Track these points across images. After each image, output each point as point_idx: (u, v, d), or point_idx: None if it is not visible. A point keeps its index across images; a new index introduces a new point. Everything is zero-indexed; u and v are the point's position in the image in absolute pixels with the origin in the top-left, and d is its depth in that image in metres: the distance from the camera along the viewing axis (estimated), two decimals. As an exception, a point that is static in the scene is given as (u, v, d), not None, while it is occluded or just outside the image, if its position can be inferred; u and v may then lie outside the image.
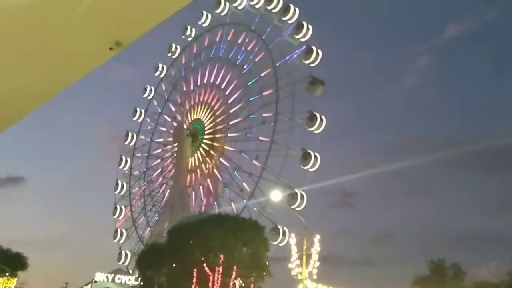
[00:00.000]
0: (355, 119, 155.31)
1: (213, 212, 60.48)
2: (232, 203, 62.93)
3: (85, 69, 7.72)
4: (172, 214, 65.70)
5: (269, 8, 63.98)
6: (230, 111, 68.90)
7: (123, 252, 72.57)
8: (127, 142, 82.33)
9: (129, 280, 62.24)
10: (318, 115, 56.79)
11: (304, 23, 61.02)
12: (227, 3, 70.87)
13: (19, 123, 9.52)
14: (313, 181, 56.94)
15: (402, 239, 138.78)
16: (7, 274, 59.16)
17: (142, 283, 49.96)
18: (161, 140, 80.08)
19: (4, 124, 9.58)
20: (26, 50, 7.10)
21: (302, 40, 60.86)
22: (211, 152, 69.57)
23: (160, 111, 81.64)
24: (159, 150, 79.62)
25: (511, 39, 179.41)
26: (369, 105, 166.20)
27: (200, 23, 76.44)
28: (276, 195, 39.14)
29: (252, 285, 42.99)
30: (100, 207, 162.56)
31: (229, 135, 68.59)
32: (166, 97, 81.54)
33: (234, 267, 41.33)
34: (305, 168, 55.74)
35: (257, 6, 66.03)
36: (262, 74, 64.96)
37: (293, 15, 61.92)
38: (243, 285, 42.58)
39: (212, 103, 71.97)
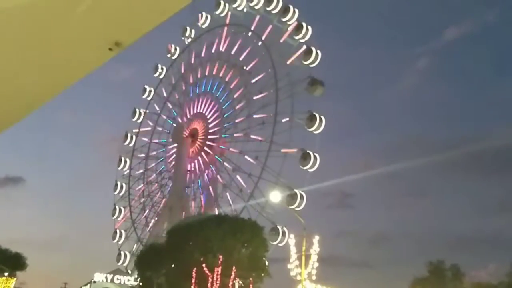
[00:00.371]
0: (355, 120, 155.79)
1: (212, 212, 60.49)
2: (232, 204, 62.95)
3: (84, 70, 7.71)
4: (171, 214, 65.73)
5: (268, 9, 64.07)
6: (230, 112, 68.91)
7: (122, 252, 72.54)
8: (126, 143, 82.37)
9: (128, 280, 62.23)
10: (317, 116, 56.83)
11: (304, 24, 61.11)
12: (227, 4, 70.94)
13: (18, 123, 9.51)
14: (312, 182, 57.07)
15: (401, 241, 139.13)
16: (6, 274, 59.14)
17: (141, 284, 49.94)
18: (161, 141, 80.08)
19: (4, 125, 9.57)
20: (25, 50, 7.10)
21: (302, 41, 60.93)
22: (211, 152, 69.57)
23: (159, 112, 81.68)
24: (159, 151, 79.63)
25: (511, 40, 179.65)
26: (369, 106, 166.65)
27: (199, 24, 76.50)
28: (276, 196, 39.14)
29: (251, 286, 43.02)
30: (99, 208, 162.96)
31: (228, 135, 68.58)
32: (166, 98, 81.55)
33: (233, 268, 41.36)
34: (305, 168, 55.76)
35: (256, 7, 66.09)
36: (261, 75, 65.01)
37: (292, 16, 61.99)
38: (242, 285, 42.61)
39: (212, 104, 72.01)
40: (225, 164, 66.88)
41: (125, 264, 70.85)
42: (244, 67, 68.65)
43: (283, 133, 59.74)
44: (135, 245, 72.11)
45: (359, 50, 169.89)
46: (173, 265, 45.94)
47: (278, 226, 53.77)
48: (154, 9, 6.49)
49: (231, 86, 69.88)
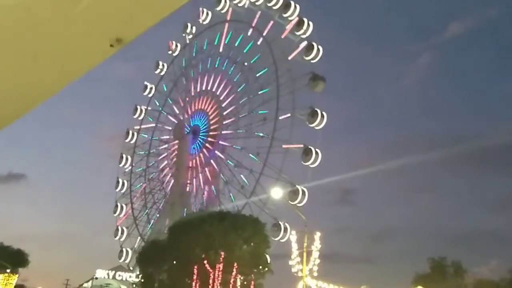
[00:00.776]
0: (356, 117, 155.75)
1: (213, 209, 60.53)
2: (233, 200, 62.97)
3: (86, 66, 7.71)
4: (172, 211, 65.78)
5: (269, 5, 63.94)
6: (231, 108, 68.88)
7: (124, 249, 72.69)
8: (127, 140, 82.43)
9: (130, 277, 62.35)
10: (319, 111, 56.77)
11: (305, 20, 60.95)
12: (228, 1, 70.79)
13: (20, 121, 9.51)
14: (314, 178, 57.02)
15: (403, 237, 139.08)
16: (8, 271, 59.31)
17: (143, 280, 50.06)
18: (162, 137, 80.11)
19: (5, 121, 9.58)
20: (27, 47, 7.09)
21: (303, 36, 60.81)
22: (212, 149, 69.58)
23: (160, 108, 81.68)
24: (160, 148, 79.65)
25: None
26: (371, 102, 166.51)
27: (200, 20, 76.38)
28: (277, 193, 39.12)
29: (252, 282, 43.07)
30: (101, 204, 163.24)
31: (230, 132, 68.54)
32: (167, 95, 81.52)
33: (235, 264, 41.40)
34: (306, 164, 55.73)
35: (257, 3, 65.97)
36: (262, 71, 64.95)
37: (293, 11, 61.85)
38: (244, 282, 42.67)
39: (213, 100, 72.00)
40: (227, 160, 66.90)
41: (127, 261, 71.02)
42: (245, 63, 68.56)
43: (285, 129, 59.78)
44: (137, 242, 72.32)
45: (361, 46, 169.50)
46: (174, 262, 46.00)
47: (280, 222, 53.72)
48: (155, 5, 6.48)
49: (232, 83, 69.81)
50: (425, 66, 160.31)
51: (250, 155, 62.58)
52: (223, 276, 41.32)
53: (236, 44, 70.27)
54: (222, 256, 41.48)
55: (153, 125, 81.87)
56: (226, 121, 69.24)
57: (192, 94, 76.28)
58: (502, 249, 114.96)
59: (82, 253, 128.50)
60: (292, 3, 61.98)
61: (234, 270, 41.37)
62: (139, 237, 72.78)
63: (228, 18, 72.27)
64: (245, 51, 68.79)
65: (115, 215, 77.37)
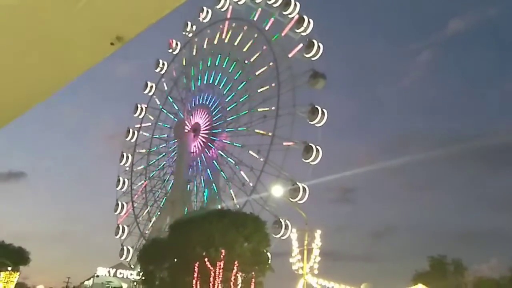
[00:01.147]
0: (356, 115, 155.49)
1: (214, 207, 60.59)
2: (234, 198, 62.96)
3: (86, 64, 7.72)
4: (173, 209, 65.84)
5: (269, 2, 63.91)
6: (231, 106, 68.88)
7: (125, 247, 72.79)
8: (128, 139, 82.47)
9: (131, 274, 62.49)
10: (319, 109, 56.77)
11: (305, 17, 60.93)
12: (228, -1, 70.74)
13: (20, 119, 9.53)
14: (314, 176, 57.07)
15: (403, 235, 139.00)
16: (9, 268, 59.39)
17: (143, 278, 50.13)
18: (162, 136, 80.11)
19: (6, 119, 9.60)
20: (27, 45, 7.11)
21: (303, 34, 60.78)
22: (213, 147, 69.60)
23: (161, 107, 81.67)
24: (160, 146, 79.67)
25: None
26: (371, 100, 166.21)
27: (200, 19, 76.32)
28: (278, 191, 39.09)
29: (253, 280, 43.12)
30: (101, 202, 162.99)
31: (230, 129, 68.54)
32: (167, 93, 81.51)
33: (236, 262, 41.44)
34: (307, 161, 55.72)
35: (257, 1, 65.94)
36: (263, 69, 64.94)
37: (293, 9, 61.80)
38: (245, 279, 42.72)
39: (213, 99, 72.00)
40: (227, 158, 66.92)
41: (128, 259, 71.11)
42: (246, 61, 68.54)
43: (285, 126, 59.75)
44: (138, 240, 72.37)
45: (361, 43, 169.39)
46: (175, 260, 46.07)
47: (281, 219, 53.76)
48: (155, 3, 6.50)
49: (233, 80, 69.80)
50: (425, 64, 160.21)
51: (250, 151, 62.56)
52: (223, 274, 41.38)
53: (236, 42, 70.20)
54: (223, 254, 41.53)
55: (154, 123, 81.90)
56: (227, 119, 69.22)
57: (193, 92, 76.26)
58: (503, 247, 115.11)
59: (83, 251, 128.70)
60: (292, 1, 61.89)
61: (235, 267, 41.42)
62: (140, 235, 72.88)
63: (228, 16, 72.23)
64: (245, 49, 68.75)
65: (116, 213, 77.46)
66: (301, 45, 60.35)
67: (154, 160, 79.10)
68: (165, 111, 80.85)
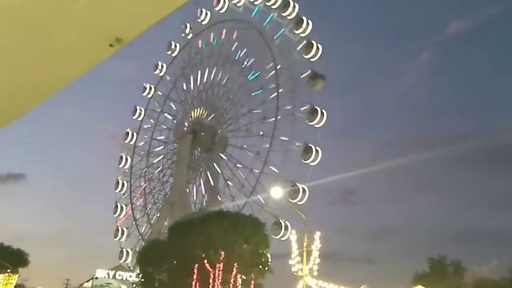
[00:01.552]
0: (356, 115, 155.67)
1: (213, 208, 60.51)
2: (234, 199, 62.90)
3: (85, 66, 7.70)
4: (172, 211, 65.75)
5: (268, 4, 63.86)
6: (231, 108, 68.86)
7: (124, 250, 72.64)
8: (127, 141, 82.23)
9: (130, 276, 62.38)
10: (319, 109, 56.75)
11: (304, 18, 60.92)
12: (227, 0, 70.66)
13: (19, 119, 9.50)
14: (314, 177, 57.03)
15: (403, 236, 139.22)
16: (8, 270, 59.28)
17: (143, 280, 50.04)
18: (161, 138, 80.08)
19: (5, 120, 9.57)
20: (27, 46, 7.09)
21: (302, 35, 60.76)
22: (212, 149, 69.56)
23: (160, 109, 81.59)
24: (160, 148, 79.61)
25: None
26: (370, 101, 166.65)
27: (199, 20, 76.32)
28: (277, 192, 39.02)
29: (253, 282, 43.05)
30: (100, 204, 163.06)
31: (230, 131, 68.52)
32: (166, 95, 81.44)
33: (235, 264, 41.38)
34: (306, 162, 55.68)
35: (256, 3, 65.89)
36: (262, 70, 64.91)
37: (292, 10, 61.79)
38: (245, 281, 42.64)
39: (212, 100, 71.99)
40: (227, 159, 66.87)
41: (127, 261, 70.97)
42: (245, 62, 68.55)
43: (285, 127, 59.74)
44: (137, 242, 72.23)
45: (361, 44, 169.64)
46: (174, 261, 45.99)
47: (280, 220, 53.70)
48: (154, 5, 6.48)
49: (232, 82, 69.77)
50: (425, 64, 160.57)
51: (249, 152, 62.56)
52: (223, 276, 41.31)
53: (235, 44, 70.19)
54: (222, 256, 41.46)
55: (153, 125, 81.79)
56: (226, 120, 69.20)
57: (192, 94, 76.25)
58: (503, 248, 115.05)
59: (82, 253, 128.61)
60: (291, 2, 61.90)
61: (234, 269, 41.35)
62: (139, 237, 72.74)
63: (227, 17, 72.19)
64: (244, 50, 68.73)
65: (115, 215, 77.26)
66: (300, 46, 60.31)
67: (153, 162, 79.00)
68: (164, 113, 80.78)
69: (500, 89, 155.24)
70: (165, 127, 79.96)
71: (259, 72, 65.16)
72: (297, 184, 55.15)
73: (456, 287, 49.31)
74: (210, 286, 41.07)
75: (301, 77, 59.13)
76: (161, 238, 53.91)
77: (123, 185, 79.54)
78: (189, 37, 79.55)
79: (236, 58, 69.99)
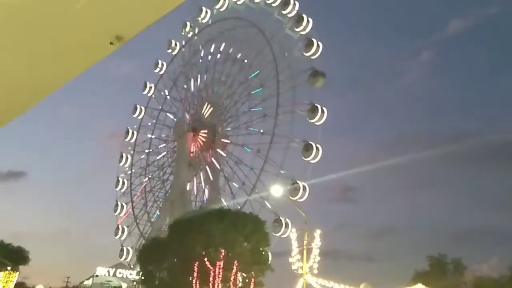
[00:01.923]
0: (356, 113, 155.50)
1: (214, 206, 60.51)
2: (234, 197, 62.91)
3: (85, 63, 7.70)
4: (173, 209, 65.78)
5: (268, 2, 63.77)
6: (231, 105, 68.82)
7: (124, 248, 72.66)
8: (127, 139, 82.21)
9: (130, 274, 62.46)
10: (319, 107, 56.67)
11: (304, 16, 60.81)
12: (227, -2, 70.67)
13: (20, 118, 9.51)
14: (314, 175, 56.97)
15: (403, 234, 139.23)
16: (8, 268, 59.31)
17: (143, 278, 50.11)
18: (162, 136, 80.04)
19: (6, 118, 9.57)
20: (27, 45, 7.08)
21: (303, 33, 60.66)
22: (212, 146, 69.56)
23: (160, 107, 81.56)
24: (160, 146, 79.58)
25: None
26: (371, 99, 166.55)
27: (200, 19, 76.26)
28: (277, 190, 38.99)
29: (253, 279, 43.11)
30: (101, 202, 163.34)
31: (230, 129, 68.52)
32: (167, 94, 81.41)
33: (235, 262, 41.42)
34: (307, 159, 55.63)
35: (256, 1, 65.81)
36: (262, 68, 64.87)
37: (292, 8, 61.70)
38: (246, 279, 42.70)
39: (213, 98, 71.95)
40: (227, 157, 66.87)
41: (128, 259, 71.01)
42: (245, 60, 68.47)
43: (285, 125, 59.70)
44: (138, 240, 72.25)
45: (361, 42, 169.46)
46: (175, 259, 46.05)
47: (281, 218, 53.70)
48: (154, 3, 6.48)
49: (232, 80, 69.71)
50: (425, 63, 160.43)
51: (250, 150, 62.53)
52: (223, 274, 41.36)
53: (235, 42, 70.10)
54: (223, 254, 41.50)
55: (153, 123, 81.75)
56: (226, 118, 69.18)
57: (192, 92, 76.21)
58: (502, 247, 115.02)
59: (82, 251, 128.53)
60: (291, 0, 61.79)
61: (235, 267, 41.40)
62: (139, 236, 72.76)
63: (227, 16, 72.10)
64: (244, 48, 68.65)
65: (115, 214, 77.23)
66: (300, 43, 60.25)
67: (154, 160, 78.97)
68: (165, 111, 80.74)
69: (500, 88, 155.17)
70: (165, 125, 79.97)
71: (258, 72, 65.05)
72: (298, 181, 55.12)
73: (456, 285, 49.35)
74: (210, 284, 41.15)
75: (301, 75, 59.14)
76: (161, 236, 53.92)
77: (123, 183, 79.55)
78: (189, 35, 79.49)
79: (237, 56, 69.92)
